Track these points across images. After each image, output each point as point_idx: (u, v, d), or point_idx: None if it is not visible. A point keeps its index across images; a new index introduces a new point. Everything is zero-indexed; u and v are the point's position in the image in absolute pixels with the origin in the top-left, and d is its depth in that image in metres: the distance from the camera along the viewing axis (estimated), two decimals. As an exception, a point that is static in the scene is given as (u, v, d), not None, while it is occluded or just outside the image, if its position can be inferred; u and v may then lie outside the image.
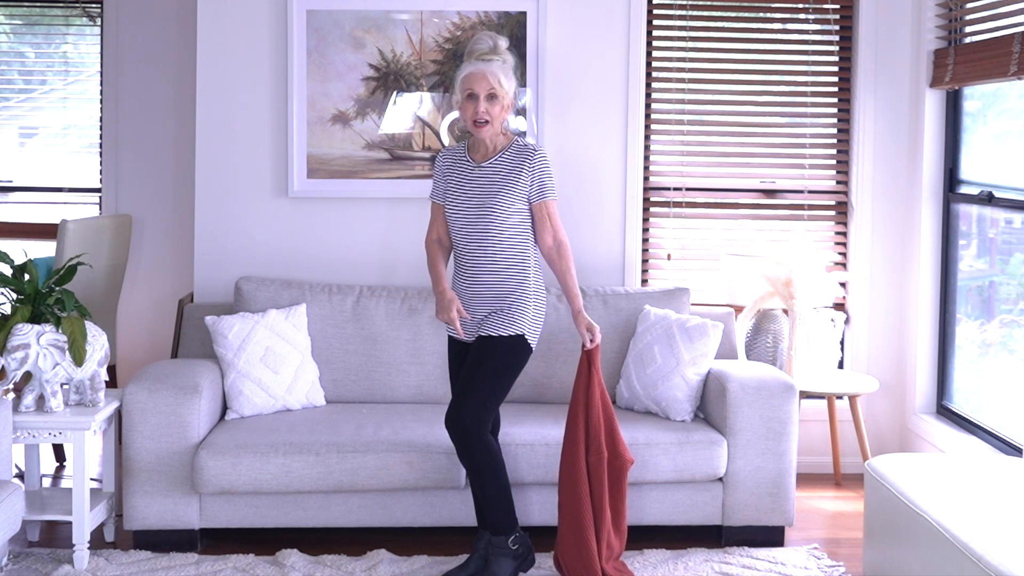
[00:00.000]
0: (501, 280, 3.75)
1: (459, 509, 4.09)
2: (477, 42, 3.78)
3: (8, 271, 4.14)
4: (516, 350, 3.74)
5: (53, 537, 4.25)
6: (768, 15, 5.18)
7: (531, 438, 4.09)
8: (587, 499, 3.69)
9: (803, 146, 5.19)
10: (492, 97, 3.70)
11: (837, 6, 5.13)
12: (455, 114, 4.89)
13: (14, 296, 4.08)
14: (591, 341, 3.75)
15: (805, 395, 4.85)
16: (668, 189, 5.15)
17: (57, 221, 4.86)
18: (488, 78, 3.68)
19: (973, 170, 4.85)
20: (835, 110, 5.19)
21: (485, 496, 3.74)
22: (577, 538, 3.69)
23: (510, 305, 3.74)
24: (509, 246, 3.75)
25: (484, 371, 3.69)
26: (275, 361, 4.37)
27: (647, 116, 5.09)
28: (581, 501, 3.69)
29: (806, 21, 5.16)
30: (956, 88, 4.86)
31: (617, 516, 3.79)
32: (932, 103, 4.97)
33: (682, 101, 5.14)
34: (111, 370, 5.11)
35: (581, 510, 3.69)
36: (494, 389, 3.72)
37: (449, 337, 3.91)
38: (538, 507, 4.10)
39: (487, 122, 3.70)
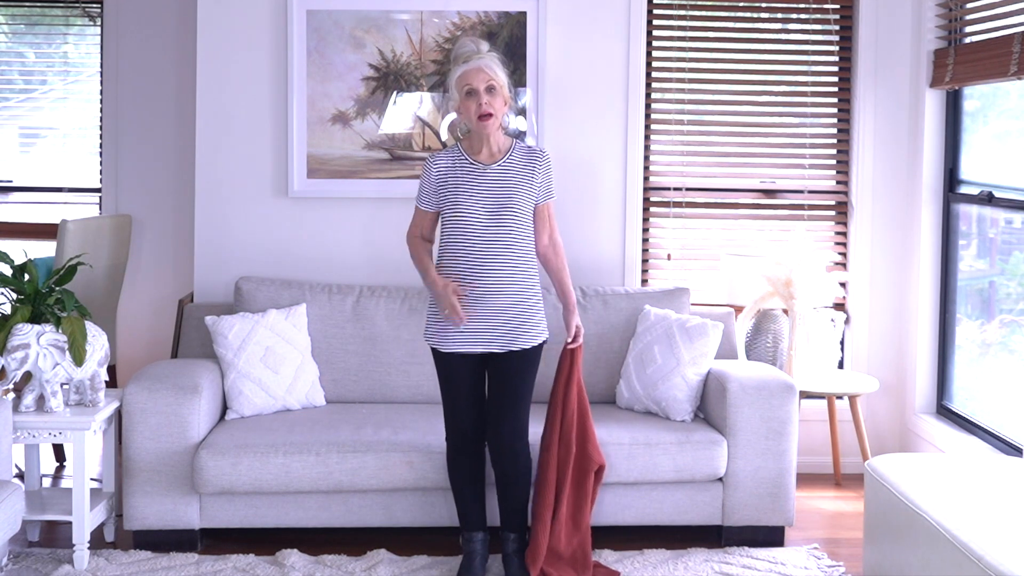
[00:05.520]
0: (519, 280, 3.73)
1: (459, 509, 4.10)
2: (460, 47, 3.77)
3: (8, 271, 4.14)
4: (540, 353, 3.85)
5: (53, 537, 4.25)
6: (768, 15, 5.18)
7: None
8: (551, 495, 3.81)
9: (803, 146, 5.19)
10: (491, 89, 3.69)
11: (837, 6, 5.13)
12: (455, 115, 4.89)
13: (14, 296, 4.08)
14: (573, 340, 3.85)
15: (805, 395, 4.85)
16: (668, 189, 5.15)
17: (57, 221, 4.86)
18: (484, 71, 3.68)
19: (973, 170, 4.85)
20: (835, 110, 5.19)
21: (525, 498, 3.86)
22: (534, 533, 3.82)
23: (531, 309, 3.76)
24: (524, 245, 3.75)
25: (526, 383, 3.79)
26: (275, 361, 4.36)
27: (647, 116, 5.09)
28: (545, 497, 3.81)
29: (806, 21, 5.16)
30: (956, 88, 4.86)
31: (578, 514, 3.86)
32: (932, 103, 4.96)
33: (682, 101, 5.14)
34: (111, 370, 5.11)
35: (542, 506, 3.81)
36: (530, 396, 3.85)
37: (454, 354, 3.76)
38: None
39: (491, 114, 3.69)
